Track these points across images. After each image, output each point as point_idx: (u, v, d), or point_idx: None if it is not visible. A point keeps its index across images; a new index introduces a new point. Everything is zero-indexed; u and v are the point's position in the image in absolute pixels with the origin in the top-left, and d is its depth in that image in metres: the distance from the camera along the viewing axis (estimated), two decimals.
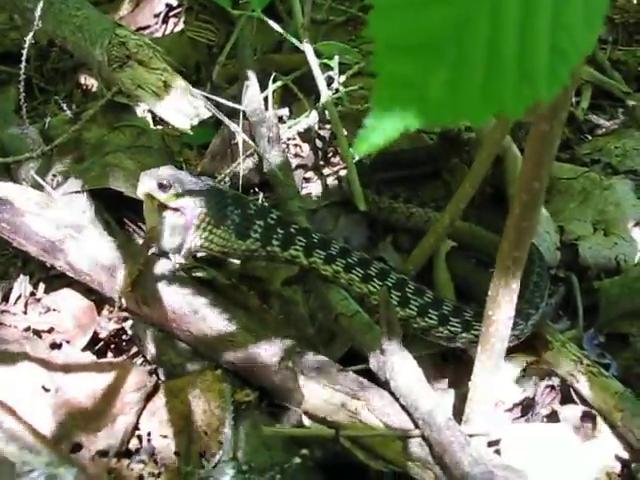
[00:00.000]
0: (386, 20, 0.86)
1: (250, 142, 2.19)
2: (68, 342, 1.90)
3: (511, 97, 0.89)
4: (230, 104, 2.26)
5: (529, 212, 1.49)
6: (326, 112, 2.26)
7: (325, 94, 2.03)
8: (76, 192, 2.09)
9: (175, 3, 3.03)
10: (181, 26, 2.97)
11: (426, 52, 0.87)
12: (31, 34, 2.02)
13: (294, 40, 2.05)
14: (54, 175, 2.15)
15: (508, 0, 0.88)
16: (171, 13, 3.05)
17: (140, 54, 1.77)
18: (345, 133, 2.24)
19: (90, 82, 2.76)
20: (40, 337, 1.92)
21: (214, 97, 2.10)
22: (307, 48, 2.03)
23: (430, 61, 0.87)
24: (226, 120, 2.06)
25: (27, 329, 1.92)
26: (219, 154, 2.23)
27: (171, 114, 1.70)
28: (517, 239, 1.52)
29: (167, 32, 2.99)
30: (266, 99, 2.33)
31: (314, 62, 2.04)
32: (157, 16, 3.03)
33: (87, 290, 1.97)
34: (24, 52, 2.18)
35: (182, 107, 1.69)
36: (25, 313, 1.98)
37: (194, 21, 2.96)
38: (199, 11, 2.99)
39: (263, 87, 2.36)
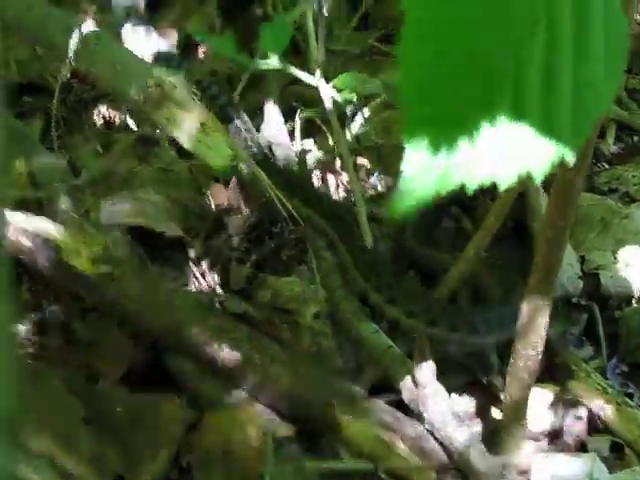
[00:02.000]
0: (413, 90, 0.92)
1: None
2: (105, 375, 1.94)
3: (536, 157, 0.95)
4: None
5: (555, 249, 1.54)
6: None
7: (343, 142, 2.05)
8: (109, 226, 2.13)
9: None
10: (201, 56, 3.01)
11: (452, 122, 0.93)
12: (65, 72, 2.06)
13: (309, 79, 2.05)
14: (86, 211, 2.19)
15: (531, 67, 0.94)
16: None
17: (176, 94, 1.82)
18: (368, 165, 2.29)
19: (113, 113, 2.80)
20: (78, 370, 1.95)
21: (244, 133, 2.13)
22: (322, 85, 2.05)
23: (456, 130, 0.92)
24: (257, 169, 2.00)
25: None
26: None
27: (208, 154, 1.74)
28: (545, 275, 1.56)
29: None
30: (292, 132, 2.38)
31: (328, 100, 2.07)
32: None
33: (122, 322, 2.00)
34: (57, 87, 2.23)
35: (219, 148, 1.73)
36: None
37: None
38: None
39: (286, 120, 2.41)
